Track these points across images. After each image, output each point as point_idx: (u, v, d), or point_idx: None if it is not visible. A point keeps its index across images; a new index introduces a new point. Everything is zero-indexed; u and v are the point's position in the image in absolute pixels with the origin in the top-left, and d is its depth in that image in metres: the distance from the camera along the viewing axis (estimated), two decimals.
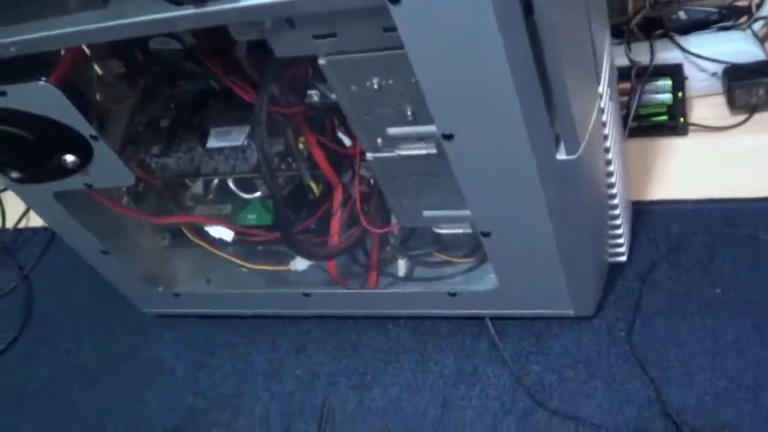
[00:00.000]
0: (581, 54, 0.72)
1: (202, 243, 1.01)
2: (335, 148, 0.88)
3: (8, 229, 1.36)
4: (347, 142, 0.87)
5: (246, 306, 1.07)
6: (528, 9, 0.60)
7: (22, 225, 1.35)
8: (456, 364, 0.97)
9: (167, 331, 1.13)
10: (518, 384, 0.93)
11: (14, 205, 1.36)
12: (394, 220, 0.93)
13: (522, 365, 0.94)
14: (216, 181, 1.00)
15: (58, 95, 0.77)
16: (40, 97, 0.78)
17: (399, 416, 0.95)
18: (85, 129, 0.81)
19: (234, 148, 0.91)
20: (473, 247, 0.95)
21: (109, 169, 0.86)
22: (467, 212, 0.81)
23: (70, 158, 0.85)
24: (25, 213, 1.34)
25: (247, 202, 0.99)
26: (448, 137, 0.71)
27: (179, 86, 0.94)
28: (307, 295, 0.99)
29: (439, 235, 0.91)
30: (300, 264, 0.98)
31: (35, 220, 1.31)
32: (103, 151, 0.83)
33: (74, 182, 0.88)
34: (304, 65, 0.80)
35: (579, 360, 0.93)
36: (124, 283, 1.07)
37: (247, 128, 0.91)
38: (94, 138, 0.82)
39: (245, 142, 0.91)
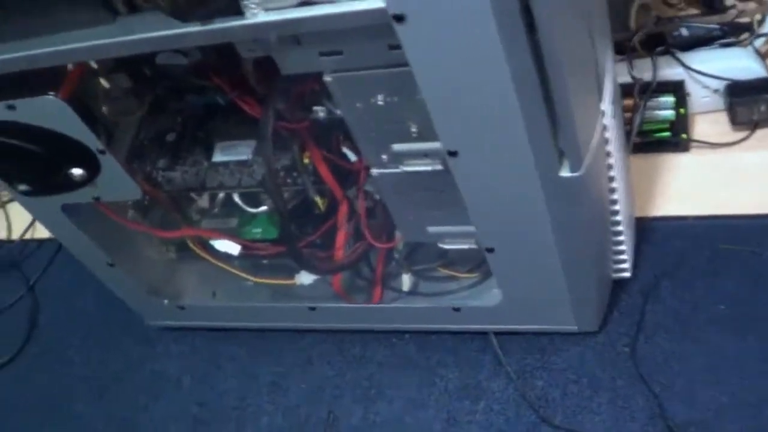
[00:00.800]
0: (584, 71, 0.72)
1: (207, 256, 1.01)
2: (340, 163, 0.88)
3: (14, 241, 1.35)
4: (352, 157, 0.87)
5: (251, 319, 1.07)
6: (531, 26, 0.60)
7: (27, 236, 1.35)
8: (460, 378, 0.97)
9: (173, 343, 1.13)
10: (522, 399, 0.93)
11: (20, 217, 1.36)
12: (398, 234, 0.93)
13: (526, 380, 0.94)
14: (221, 195, 1.00)
15: (66, 109, 0.78)
16: (49, 111, 0.78)
17: (403, 430, 0.96)
18: (93, 143, 0.81)
19: (240, 163, 0.91)
20: (478, 262, 0.95)
21: (116, 183, 0.86)
22: (472, 228, 0.81)
23: (77, 172, 0.85)
24: (31, 224, 1.34)
25: (253, 215, 0.99)
26: (453, 154, 0.72)
27: (186, 100, 0.94)
28: (312, 308, 0.99)
29: (445, 250, 0.91)
30: (305, 278, 0.98)
31: (41, 232, 1.31)
32: (110, 164, 0.84)
33: (82, 195, 0.88)
34: (310, 81, 0.80)
35: (583, 375, 0.93)
36: (130, 295, 1.08)
37: (252, 143, 0.91)
38: (101, 152, 0.82)
39: (251, 157, 0.91)
